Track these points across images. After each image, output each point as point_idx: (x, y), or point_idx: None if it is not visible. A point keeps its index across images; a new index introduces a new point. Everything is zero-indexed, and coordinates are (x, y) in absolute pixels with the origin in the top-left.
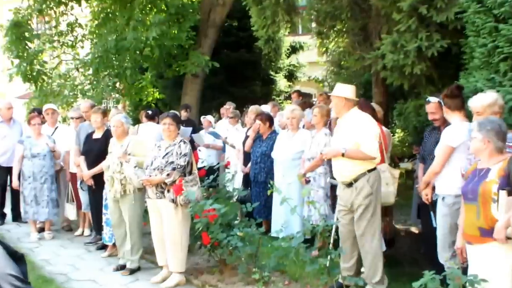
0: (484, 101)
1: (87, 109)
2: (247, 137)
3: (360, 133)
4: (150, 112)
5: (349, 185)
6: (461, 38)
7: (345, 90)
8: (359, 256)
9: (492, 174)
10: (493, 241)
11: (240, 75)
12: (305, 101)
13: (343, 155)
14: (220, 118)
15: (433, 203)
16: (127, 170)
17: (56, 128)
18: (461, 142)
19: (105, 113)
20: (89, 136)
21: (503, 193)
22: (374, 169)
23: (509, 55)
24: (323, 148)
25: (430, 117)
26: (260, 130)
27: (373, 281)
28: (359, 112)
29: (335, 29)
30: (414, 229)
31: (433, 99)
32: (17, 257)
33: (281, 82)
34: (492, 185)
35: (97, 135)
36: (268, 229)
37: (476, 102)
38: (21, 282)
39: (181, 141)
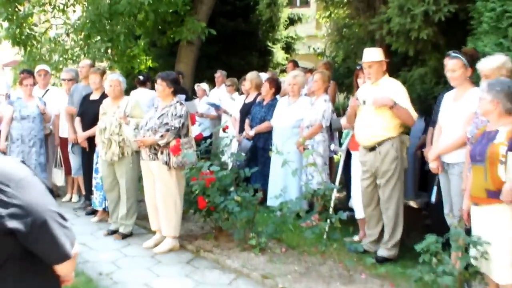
0: (492, 63)
1: (84, 65)
2: (245, 104)
3: (402, 97)
4: (141, 77)
5: (372, 149)
6: (469, 4)
7: (379, 54)
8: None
9: (500, 136)
10: (499, 202)
11: (237, 45)
12: (306, 69)
13: (392, 107)
14: (213, 88)
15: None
16: (126, 131)
17: (47, 91)
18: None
19: (103, 73)
20: (86, 97)
21: None
22: (397, 136)
23: None
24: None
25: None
26: (262, 94)
27: (389, 245)
28: (391, 79)
29: None
30: (412, 204)
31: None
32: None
33: (279, 54)
34: (500, 147)
35: (95, 96)
36: (264, 199)
37: (484, 65)
38: (63, 219)
39: (177, 102)
